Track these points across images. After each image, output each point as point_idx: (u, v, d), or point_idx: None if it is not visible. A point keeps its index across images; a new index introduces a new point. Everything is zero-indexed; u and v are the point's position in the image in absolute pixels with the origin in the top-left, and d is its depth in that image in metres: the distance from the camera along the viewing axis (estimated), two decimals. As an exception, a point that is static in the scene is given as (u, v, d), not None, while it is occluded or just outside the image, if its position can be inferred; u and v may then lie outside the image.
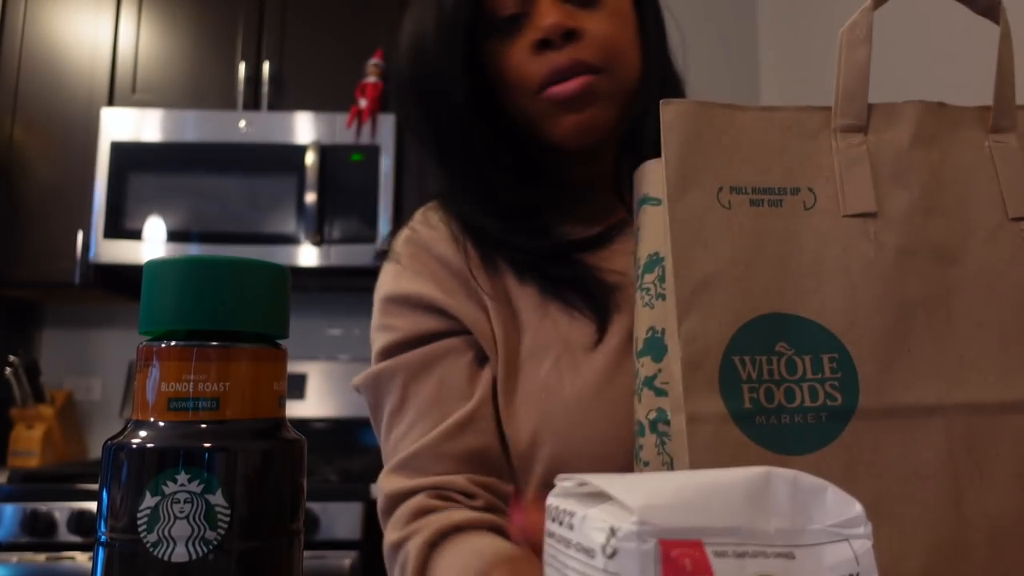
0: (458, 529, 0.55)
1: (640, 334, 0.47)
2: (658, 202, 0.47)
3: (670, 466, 0.44)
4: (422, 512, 0.57)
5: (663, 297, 0.45)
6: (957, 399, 0.41)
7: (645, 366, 0.46)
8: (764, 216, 0.42)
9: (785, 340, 0.41)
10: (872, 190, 0.43)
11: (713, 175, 0.43)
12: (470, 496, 0.58)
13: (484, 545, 0.53)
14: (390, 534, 0.59)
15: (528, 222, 0.64)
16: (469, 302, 0.62)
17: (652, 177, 0.48)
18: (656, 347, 0.45)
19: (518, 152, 0.64)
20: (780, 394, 0.40)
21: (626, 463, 0.53)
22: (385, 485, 0.60)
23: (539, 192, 0.66)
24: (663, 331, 0.45)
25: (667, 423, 0.44)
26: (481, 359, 0.62)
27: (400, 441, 0.61)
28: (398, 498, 0.59)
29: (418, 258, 0.65)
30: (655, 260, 0.46)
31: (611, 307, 0.60)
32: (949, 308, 0.42)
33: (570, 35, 0.59)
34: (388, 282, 0.65)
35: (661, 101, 0.44)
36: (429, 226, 0.67)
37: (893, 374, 0.41)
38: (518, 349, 0.61)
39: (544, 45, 0.59)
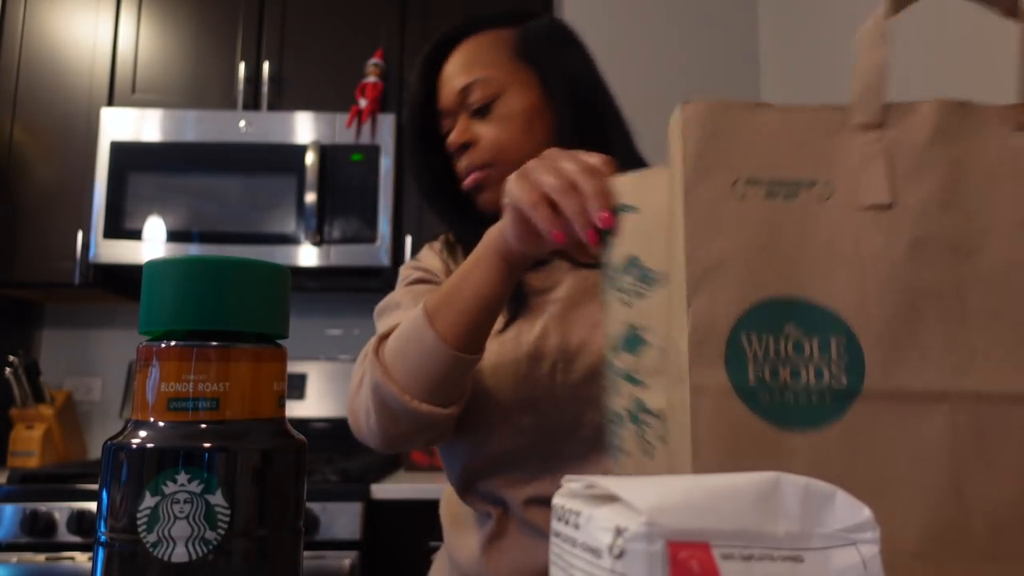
0: None
1: (616, 331, 0.49)
2: (633, 209, 0.50)
3: (650, 454, 0.45)
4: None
5: (641, 296, 0.47)
6: (966, 387, 0.41)
7: (622, 359, 0.48)
8: (779, 208, 0.43)
9: (794, 322, 0.41)
10: (888, 184, 0.43)
11: (729, 168, 0.43)
12: None
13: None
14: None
15: None
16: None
17: (623, 189, 0.52)
18: (633, 342, 0.47)
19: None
20: (786, 372, 0.41)
21: (510, 399, 0.77)
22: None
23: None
24: (643, 327, 0.47)
25: (647, 412, 0.46)
26: None
27: (388, 323, 0.80)
28: (380, 338, 0.75)
29: (420, 259, 0.93)
30: (632, 262, 0.48)
31: (522, 310, 0.80)
32: (963, 299, 0.42)
33: (465, 146, 0.83)
34: (402, 270, 0.91)
35: (681, 103, 0.45)
36: (429, 248, 0.93)
37: (901, 360, 0.41)
38: None
39: (456, 152, 0.86)
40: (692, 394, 0.40)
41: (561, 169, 0.57)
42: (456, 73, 0.83)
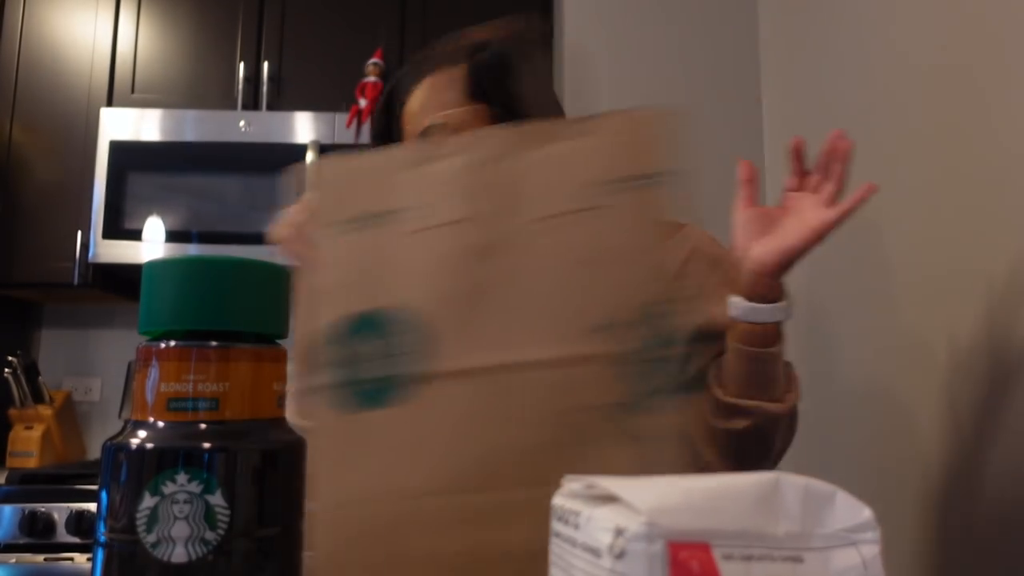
0: None
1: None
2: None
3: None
4: None
5: None
6: (508, 359, 0.52)
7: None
8: (370, 236, 0.54)
9: (381, 327, 0.53)
10: (458, 202, 0.54)
11: (338, 210, 0.55)
12: None
13: None
14: None
15: None
16: None
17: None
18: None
19: None
20: (373, 367, 0.52)
21: None
22: None
23: None
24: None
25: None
26: None
27: None
28: None
29: None
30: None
31: None
32: (516, 291, 0.53)
33: None
34: None
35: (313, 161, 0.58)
36: None
37: (469, 346, 0.52)
38: None
39: None
40: (309, 393, 0.52)
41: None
42: (417, 113, 0.88)
